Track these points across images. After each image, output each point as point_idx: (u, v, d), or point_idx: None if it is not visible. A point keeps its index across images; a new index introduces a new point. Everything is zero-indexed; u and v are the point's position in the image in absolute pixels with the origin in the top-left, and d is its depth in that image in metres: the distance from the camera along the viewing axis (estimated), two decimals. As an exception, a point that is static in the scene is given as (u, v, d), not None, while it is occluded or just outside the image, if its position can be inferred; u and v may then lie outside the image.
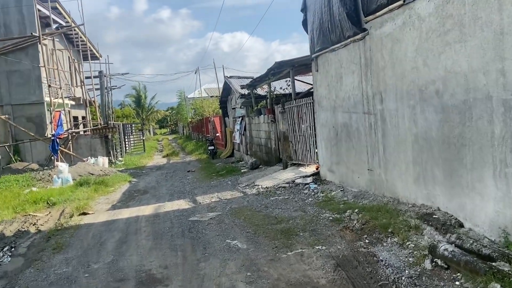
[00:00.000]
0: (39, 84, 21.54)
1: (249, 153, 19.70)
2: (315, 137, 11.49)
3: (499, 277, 4.26)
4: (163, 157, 30.32)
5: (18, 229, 9.44)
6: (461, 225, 5.83)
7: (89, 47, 28.12)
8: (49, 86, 21.03)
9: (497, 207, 5.09)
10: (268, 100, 15.96)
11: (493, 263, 4.50)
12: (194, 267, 6.15)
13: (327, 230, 7.18)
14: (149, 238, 8.01)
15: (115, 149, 24.49)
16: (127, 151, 29.53)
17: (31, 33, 20.69)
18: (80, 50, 27.76)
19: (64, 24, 24.59)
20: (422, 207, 6.72)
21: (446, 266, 4.98)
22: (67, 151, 21.57)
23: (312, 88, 16.06)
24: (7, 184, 15.61)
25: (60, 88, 22.43)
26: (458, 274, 4.77)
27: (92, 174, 17.85)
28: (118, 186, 15.66)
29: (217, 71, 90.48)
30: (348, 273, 5.37)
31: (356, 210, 7.66)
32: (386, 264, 5.49)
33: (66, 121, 24.59)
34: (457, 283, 4.67)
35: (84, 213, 10.84)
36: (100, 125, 24.78)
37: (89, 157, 21.43)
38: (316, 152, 11.60)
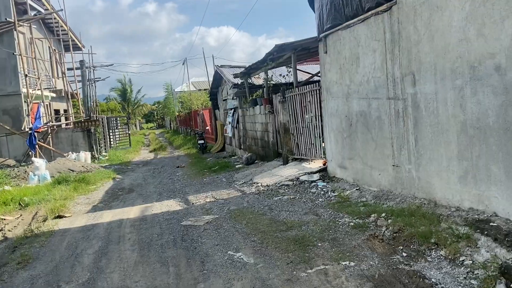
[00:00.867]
0: (16, 74, 20.05)
1: (242, 147, 18.38)
2: (322, 128, 10.22)
3: None
4: (150, 151, 28.86)
5: (-21, 237, 8.04)
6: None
7: (71, 36, 26.53)
8: (26, 76, 19.50)
9: None
10: (264, 89, 14.66)
11: None
12: (192, 291, 4.87)
13: (351, 240, 5.92)
14: (134, 249, 6.69)
15: (99, 144, 22.98)
16: (112, 145, 27.98)
17: (5, 19, 19.11)
18: (61, 40, 26.18)
19: (43, 11, 22.98)
20: (471, 211, 5.47)
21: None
22: (47, 146, 20.08)
23: (311, 77, 14.81)
24: (-23, 182, 14.09)
25: (38, 78, 20.84)
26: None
27: (73, 171, 16.40)
28: (100, 184, 14.24)
29: (207, 62, 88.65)
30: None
31: (383, 215, 6.42)
32: (443, 289, 4.25)
33: (46, 114, 23.07)
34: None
35: (60, 216, 9.48)
36: (83, 118, 23.24)
37: (70, 152, 19.92)
38: (323, 146, 10.33)
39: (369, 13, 7.24)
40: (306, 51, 12.13)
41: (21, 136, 19.42)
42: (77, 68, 26.21)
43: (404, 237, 5.60)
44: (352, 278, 4.72)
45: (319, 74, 14.25)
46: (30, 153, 19.07)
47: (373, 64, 7.40)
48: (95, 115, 24.48)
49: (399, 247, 5.41)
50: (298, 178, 10.01)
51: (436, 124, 5.98)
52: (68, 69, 27.86)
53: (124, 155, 24.51)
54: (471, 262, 4.61)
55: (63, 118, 25.88)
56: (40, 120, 19.79)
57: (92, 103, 26.83)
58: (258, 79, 17.60)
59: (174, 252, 6.32)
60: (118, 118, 33.86)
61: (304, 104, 11.04)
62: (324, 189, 8.97)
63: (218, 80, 22.77)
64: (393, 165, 7.14)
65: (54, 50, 25.75)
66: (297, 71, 12.60)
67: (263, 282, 4.84)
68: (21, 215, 9.82)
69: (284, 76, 15.59)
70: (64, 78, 26.09)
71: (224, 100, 21.86)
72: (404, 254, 5.19)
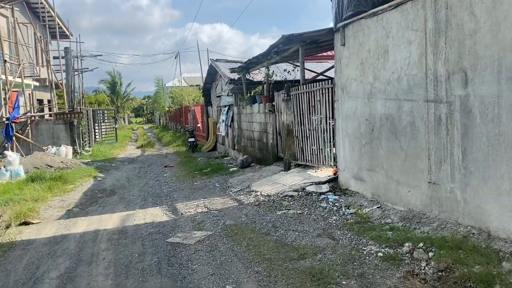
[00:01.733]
0: (-7, 59, 18.45)
1: (236, 147, 17.06)
2: (333, 132, 8.96)
3: None
4: (137, 148, 27.37)
5: None
6: None
7: (58, 23, 24.97)
8: (5, 61, 17.98)
9: None
10: (265, 85, 13.35)
11: None
12: None
13: (384, 278, 4.65)
14: (108, 274, 5.39)
15: (82, 138, 21.49)
16: (97, 140, 26.44)
17: (-16, -2, 17.64)
18: (47, 26, 24.61)
19: (28, -5, 21.47)
20: (545, 250, 4.25)
21: None
22: (25, 138, 18.60)
23: (317, 76, 13.48)
24: None
25: (19, 65, 19.30)
26: None
27: (51, 167, 14.96)
28: (79, 183, 12.82)
29: (201, 56, 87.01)
30: None
31: (421, 245, 5.16)
32: None
33: (27, 103, 21.54)
34: None
35: (26, 223, 8.14)
36: (66, 109, 21.71)
37: (50, 146, 18.40)
38: (334, 152, 9.05)
39: (406, -3, 5.98)
40: (315, 44, 10.85)
41: (-4, 126, 17.92)
42: (63, 57, 24.65)
43: (455, 278, 4.35)
44: None
45: (326, 73, 13.02)
46: (6, 145, 17.58)
47: (408, 58, 6.14)
48: (79, 107, 22.92)
49: (450, 293, 4.16)
50: (304, 189, 8.72)
51: (496, 136, 4.74)
52: (54, 57, 26.23)
53: (109, 150, 23.05)
54: None
55: (46, 109, 24.34)
56: (19, 109, 18.31)
57: (77, 94, 25.32)
58: (257, 75, 16.27)
59: (158, 281, 5.03)
60: (106, 111, 32.23)
61: (313, 104, 9.74)
62: (336, 204, 7.70)
63: (212, 75, 21.37)
64: (429, 182, 5.88)
65: (40, 36, 24.17)
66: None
67: None
68: (-20, 220, 8.43)
69: (289, 72, 14.27)
70: (49, 67, 24.51)
71: (218, 96, 20.50)
72: (460, 305, 3.95)
